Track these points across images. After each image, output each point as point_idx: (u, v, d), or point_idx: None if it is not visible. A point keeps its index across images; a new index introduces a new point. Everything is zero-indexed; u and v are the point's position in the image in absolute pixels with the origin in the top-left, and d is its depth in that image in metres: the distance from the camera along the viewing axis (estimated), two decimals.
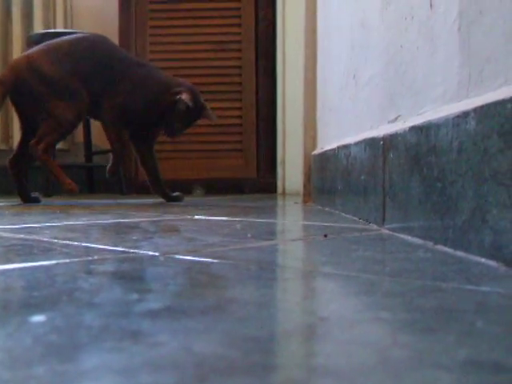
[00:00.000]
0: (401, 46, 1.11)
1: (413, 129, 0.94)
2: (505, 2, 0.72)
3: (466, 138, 0.75)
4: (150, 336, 0.37)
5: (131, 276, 0.60)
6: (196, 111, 2.17)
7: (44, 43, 2.16)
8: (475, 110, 0.73)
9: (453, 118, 0.79)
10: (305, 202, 2.04)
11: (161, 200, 2.38)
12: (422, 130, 0.90)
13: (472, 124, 0.74)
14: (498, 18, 0.74)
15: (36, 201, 2.20)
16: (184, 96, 2.11)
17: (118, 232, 1.09)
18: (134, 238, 0.97)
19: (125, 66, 2.17)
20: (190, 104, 2.11)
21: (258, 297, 0.48)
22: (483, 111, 0.71)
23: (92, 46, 2.16)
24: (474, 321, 0.40)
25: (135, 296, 0.49)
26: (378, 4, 1.26)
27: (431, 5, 0.96)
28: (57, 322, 0.41)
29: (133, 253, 0.78)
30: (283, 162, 3.13)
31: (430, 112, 0.93)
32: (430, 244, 0.84)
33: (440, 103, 0.91)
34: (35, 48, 2.15)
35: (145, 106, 2.17)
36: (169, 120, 2.16)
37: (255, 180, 3.24)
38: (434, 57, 0.94)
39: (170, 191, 2.30)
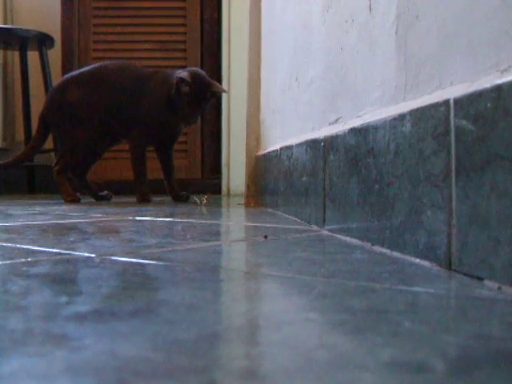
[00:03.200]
0: (341, 49, 1.12)
1: (352, 131, 0.95)
2: (440, 7, 0.73)
3: (402, 140, 0.76)
4: (74, 340, 0.36)
5: (63, 278, 0.59)
6: (202, 89, 2.17)
7: (70, 74, 2.42)
8: (411, 112, 0.74)
9: (390, 121, 0.80)
10: (248, 203, 2.04)
11: (95, 200, 2.35)
12: (361, 132, 0.91)
13: (408, 126, 0.75)
14: (433, 23, 0.75)
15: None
16: (181, 75, 2.13)
17: (56, 233, 1.07)
18: (71, 239, 0.96)
19: (138, 86, 2.25)
20: (188, 79, 2.12)
21: (189, 298, 0.48)
22: (418, 114, 0.72)
23: (105, 74, 2.29)
24: (401, 321, 0.41)
25: (64, 299, 0.48)
26: (319, 6, 1.27)
27: (370, 8, 0.97)
28: None
29: (68, 254, 0.76)
30: (228, 162, 3.13)
31: (369, 114, 0.94)
32: (367, 245, 0.85)
33: (378, 106, 0.92)
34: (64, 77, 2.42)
35: (163, 114, 2.22)
36: (180, 109, 2.17)
37: (200, 181, 3.22)
38: (372, 60, 0.95)
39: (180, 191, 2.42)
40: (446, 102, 0.65)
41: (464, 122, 0.61)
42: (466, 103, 0.61)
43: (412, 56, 0.81)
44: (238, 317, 0.43)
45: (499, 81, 0.56)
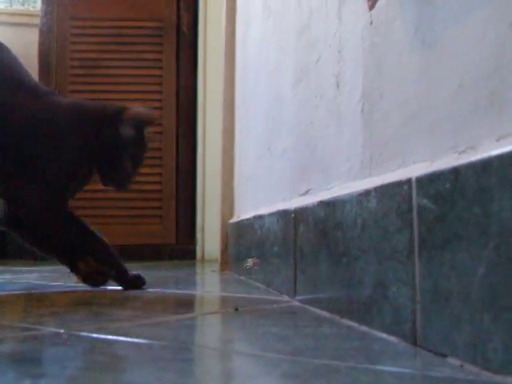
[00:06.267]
0: (311, 123, 1.14)
1: (321, 203, 0.97)
2: (402, 89, 0.76)
3: (368, 215, 0.78)
4: None
5: (28, 358, 0.59)
6: (141, 137, 1.42)
7: None
8: (376, 189, 0.76)
9: (356, 196, 0.82)
10: (222, 270, 2.04)
11: None
12: (329, 206, 0.92)
13: (373, 202, 0.76)
14: (396, 103, 0.78)
15: None
16: (131, 113, 1.38)
17: (26, 305, 1.07)
18: (41, 312, 0.95)
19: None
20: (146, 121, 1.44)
21: (153, 380, 0.48)
22: (383, 191, 0.74)
23: None
24: None
25: (28, 382, 0.48)
26: (290, 80, 1.31)
27: (338, 85, 1.00)
28: None
29: (36, 329, 0.76)
30: (202, 228, 3.13)
31: (337, 188, 0.96)
32: (337, 318, 0.85)
33: (346, 180, 0.94)
34: None
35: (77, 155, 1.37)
36: (113, 160, 1.37)
37: (174, 246, 3.22)
38: (340, 135, 0.98)
39: None
40: (409, 181, 0.67)
41: (425, 201, 0.63)
42: (426, 183, 0.63)
43: (377, 133, 0.84)
44: None
45: (456, 162, 0.58)
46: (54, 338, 0.70)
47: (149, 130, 1.45)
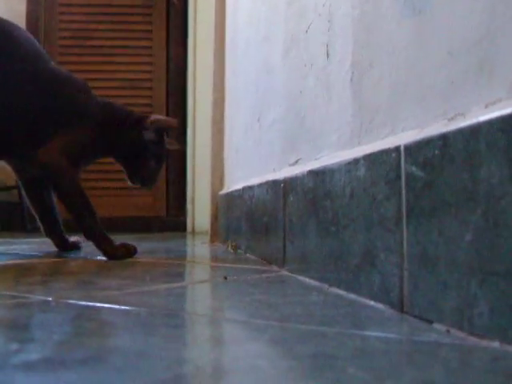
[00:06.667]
0: (300, 92, 1.14)
1: (310, 173, 0.97)
2: (392, 57, 0.76)
3: (356, 184, 0.78)
4: None
5: (17, 324, 0.59)
6: (161, 140, 1.62)
7: None
8: (364, 157, 0.76)
9: (345, 165, 0.82)
10: (212, 241, 2.05)
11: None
12: (318, 175, 0.92)
13: (362, 171, 0.76)
14: (386, 71, 0.77)
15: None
16: (152, 119, 1.57)
17: (15, 275, 1.06)
18: (30, 280, 0.95)
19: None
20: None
21: (140, 345, 0.48)
22: (371, 159, 0.74)
23: None
24: (346, 367, 0.41)
25: (15, 346, 0.48)
26: (280, 49, 1.30)
27: (328, 54, 0.99)
28: None
29: (25, 297, 0.76)
30: (193, 200, 3.13)
31: (326, 157, 0.96)
32: (325, 286, 0.86)
33: (335, 149, 0.94)
34: None
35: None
36: (138, 161, 1.59)
37: (164, 218, 3.22)
38: (330, 104, 0.98)
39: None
40: (397, 148, 0.67)
41: (413, 168, 0.63)
42: (415, 150, 0.63)
43: (366, 102, 0.84)
44: (185, 364, 0.44)
45: (445, 129, 0.58)
46: (42, 306, 0.70)
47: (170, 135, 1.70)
